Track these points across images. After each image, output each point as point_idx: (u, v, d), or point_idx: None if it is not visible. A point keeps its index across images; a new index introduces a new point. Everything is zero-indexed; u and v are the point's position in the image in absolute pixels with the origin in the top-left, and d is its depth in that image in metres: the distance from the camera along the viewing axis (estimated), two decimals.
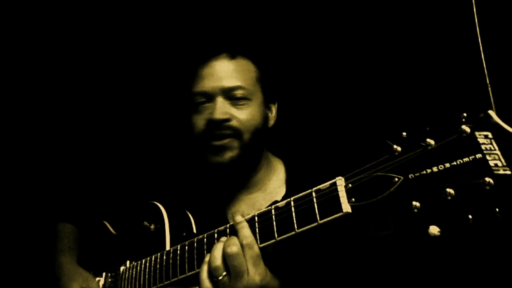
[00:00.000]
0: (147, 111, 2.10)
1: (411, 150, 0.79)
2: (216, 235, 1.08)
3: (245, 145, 1.32)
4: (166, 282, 1.16)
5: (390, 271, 1.26)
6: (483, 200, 0.69)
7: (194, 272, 1.08)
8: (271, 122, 1.46)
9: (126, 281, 1.30)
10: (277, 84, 1.50)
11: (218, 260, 0.98)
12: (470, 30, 1.44)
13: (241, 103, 1.34)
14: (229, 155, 1.31)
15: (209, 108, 1.33)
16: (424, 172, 0.76)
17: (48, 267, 1.44)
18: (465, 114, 0.75)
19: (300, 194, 0.95)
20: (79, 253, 1.48)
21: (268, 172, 1.45)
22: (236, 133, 1.31)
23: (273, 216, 0.98)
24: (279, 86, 1.53)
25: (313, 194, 0.92)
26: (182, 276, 1.11)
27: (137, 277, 1.26)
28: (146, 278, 1.22)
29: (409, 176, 0.78)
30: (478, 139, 0.72)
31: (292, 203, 0.96)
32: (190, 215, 1.34)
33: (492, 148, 0.70)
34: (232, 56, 1.38)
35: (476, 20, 1.43)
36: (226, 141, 1.30)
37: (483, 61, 1.39)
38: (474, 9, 1.44)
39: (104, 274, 1.40)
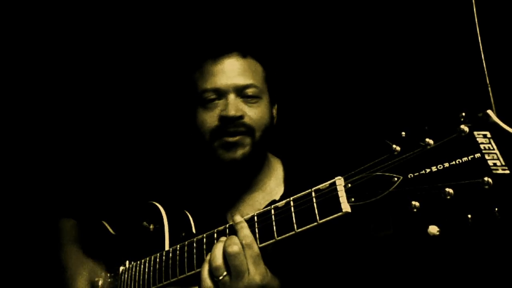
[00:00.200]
0: (147, 110, 2.09)
1: (410, 150, 0.79)
2: (215, 235, 1.08)
3: (256, 143, 1.34)
4: (165, 282, 1.16)
5: (390, 270, 1.26)
6: (482, 199, 0.69)
7: (193, 272, 1.08)
8: (274, 122, 1.48)
9: (125, 281, 1.30)
10: (279, 85, 1.51)
11: (219, 260, 0.98)
12: (469, 30, 1.44)
13: (252, 101, 1.35)
14: (241, 151, 1.31)
15: (220, 105, 1.33)
16: (423, 171, 0.76)
17: (50, 263, 1.43)
18: (463, 114, 0.75)
19: (300, 194, 0.95)
20: (84, 247, 1.48)
21: (268, 171, 1.46)
22: (248, 130, 1.32)
23: (273, 216, 0.98)
24: (281, 87, 1.54)
25: (313, 194, 0.92)
26: (182, 276, 1.11)
27: (137, 277, 1.26)
28: (146, 278, 1.22)
29: (409, 175, 0.78)
30: (477, 139, 0.72)
31: (291, 203, 0.96)
32: (189, 215, 1.34)
33: (491, 148, 0.71)
34: (244, 55, 1.38)
35: (476, 20, 1.43)
36: (239, 137, 1.31)
37: (483, 61, 1.39)
38: (474, 9, 1.44)
39: (103, 274, 1.40)
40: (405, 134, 0.81)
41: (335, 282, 1.18)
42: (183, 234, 1.27)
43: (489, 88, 1.34)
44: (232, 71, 1.35)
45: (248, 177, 1.41)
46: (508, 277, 1.34)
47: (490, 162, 0.69)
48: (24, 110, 2.10)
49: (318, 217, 0.89)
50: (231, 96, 1.33)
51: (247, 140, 1.32)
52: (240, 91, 1.34)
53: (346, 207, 0.86)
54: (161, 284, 1.17)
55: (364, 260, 1.23)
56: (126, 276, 1.31)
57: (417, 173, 0.77)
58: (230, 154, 1.31)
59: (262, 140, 1.36)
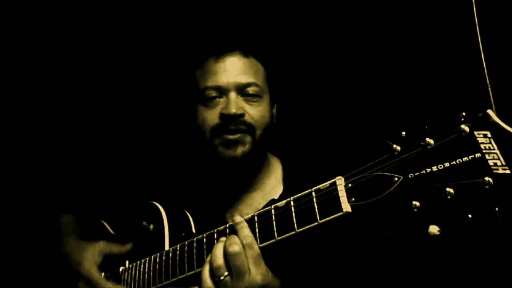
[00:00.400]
0: (148, 110, 2.09)
1: (411, 150, 0.79)
2: (215, 235, 1.08)
3: (256, 142, 1.34)
4: (165, 282, 1.15)
5: (390, 270, 1.26)
6: (483, 199, 0.69)
7: (194, 272, 1.08)
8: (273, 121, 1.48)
9: (125, 282, 1.30)
10: (279, 86, 1.52)
11: (220, 260, 0.98)
12: (470, 30, 1.44)
13: (253, 99, 1.35)
14: (241, 149, 1.31)
15: (221, 103, 1.34)
16: (424, 171, 0.76)
17: (52, 256, 1.42)
18: (464, 114, 0.75)
19: (300, 194, 0.95)
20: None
21: (267, 171, 1.46)
22: (249, 128, 1.32)
23: (273, 216, 0.98)
24: (281, 87, 1.54)
25: (313, 193, 0.92)
26: (182, 276, 1.11)
27: (137, 277, 1.26)
28: (146, 278, 1.22)
29: (409, 175, 0.78)
30: (477, 139, 0.72)
31: (292, 202, 0.96)
32: (189, 215, 1.34)
33: (491, 148, 0.71)
34: (246, 54, 1.39)
35: (476, 19, 1.43)
36: (239, 135, 1.31)
37: (483, 61, 1.39)
38: (474, 9, 1.44)
39: (103, 274, 1.40)
40: (406, 134, 0.81)
41: (336, 282, 1.18)
42: (183, 234, 1.27)
43: (489, 88, 1.34)
44: (233, 69, 1.35)
45: (248, 176, 1.41)
46: (508, 277, 1.34)
47: (491, 162, 0.69)
48: (24, 109, 2.10)
49: (318, 217, 0.89)
50: (232, 94, 1.33)
51: (248, 138, 1.32)
52: (241, 89, 1.34)
53: (346, 207, 0.86)
54: (161, 284, 1.17)
55: (365, 259, 1.23)
56: (126, 276, 1.31)
57: (418, 173, 0.77)
58: (230, 151, 1.31)
59: (262, 138, 1.36)
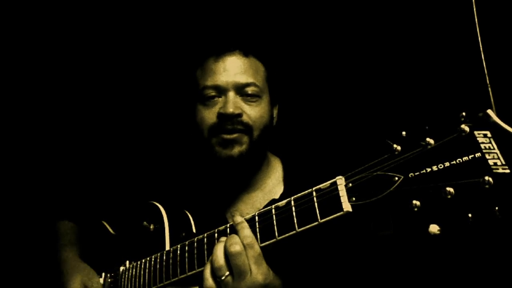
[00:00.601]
0: (147, 110, 2.09)
1: (411, 149, 0.79)
2: (216, 235, 1.08)
3: (253, 142, 1.33)
4: (166, 282, 1.15)
5: (390, 270, 1.26)
6: (483, 199, 0.69)
7: (194, 271, 1.08)
8: (273, 122, 1.48)
9: (126, 282, 1.30)
10: (280, 86, 1.52)
11: (221, 260, 0.98)
12: (470, 29, 1.45)
13: (252, 100, 1.35)
14: (238, 149, 1.31)
15: (219, 102, 1.34)
16: (424, 171, 0.76)
17: (48, 265, 1.43)
18: (464, 113, 0.75)
19: (301, 194, 0.95)
20: (81, 249, 1.48)
21: (267, 171, 1.46)
22: (246, 128, 1.32)
23: (274, 216, 0.98)
24: (282, 87, 1.54)
25: (314, 193, 0.92)
26: (183, 276, 1.11)
27: (137, 277, 1.26)
28: (146, 278, 1.22)
29: (409, 175, 0.78)
30: (477, 138, 0.72)
31: (292, 202, 0.96)
32: (189, 215, 1.34)
33: (491, 147, 0.71)
34: (245, 54, 1.39)
35: (476, 19, 1.43)
36: (236, 135, 1.31)
37: (483, 61, 1.39)
38: (474, 9, 1.44)
39: (103, 274, 1.40)
40: (406, 134, 0.81)
41: (336, 282, 1.18)
42: (183, 234, 1.27)
43: (489, 88, 1.34)
44: (233, 69, 1.35)
45: (247, 176, 1.41)
46: (508, 277, 1.34)
47: (491, 162, 0.69)
48: (23, 111, 2.10)
49: (319, 217, 0.89)
50: (231, 94, 1.33)
51: (245, 138, 1.32)
52: (240, 89, 1.34)
53: (347, 206, 0.86)
54: (161, 284, 1.17)
55: (365, 259, 1.23)
56: (126, 276, 1.31)
57: (418, 173, 0.77)
58: (226, 151, 1.31)
59: (260, 139, 1.35)
